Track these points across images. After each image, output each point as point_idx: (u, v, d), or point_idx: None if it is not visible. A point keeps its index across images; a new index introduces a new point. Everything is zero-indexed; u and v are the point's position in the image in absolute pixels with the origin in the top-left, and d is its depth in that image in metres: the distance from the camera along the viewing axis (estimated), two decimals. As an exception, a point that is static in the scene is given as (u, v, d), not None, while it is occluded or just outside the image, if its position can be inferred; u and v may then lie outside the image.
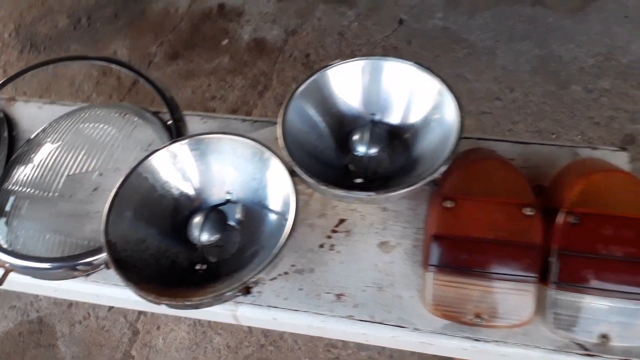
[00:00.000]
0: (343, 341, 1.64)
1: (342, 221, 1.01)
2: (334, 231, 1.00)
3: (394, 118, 1.05)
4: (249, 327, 1.71)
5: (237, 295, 0.82)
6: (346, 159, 1.02)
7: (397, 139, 1.03)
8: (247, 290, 0.81)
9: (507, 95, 2.15)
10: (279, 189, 0.90)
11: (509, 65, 2.22)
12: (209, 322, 1.76)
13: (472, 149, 0.99)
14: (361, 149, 1.00)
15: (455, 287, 0.86)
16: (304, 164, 0.91)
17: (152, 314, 1.79)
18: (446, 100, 0.96)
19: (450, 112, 0.95)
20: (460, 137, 0.90)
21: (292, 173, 0.89)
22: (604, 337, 0.82)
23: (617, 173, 0.86)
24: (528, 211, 0.85)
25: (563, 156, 1.04)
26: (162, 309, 0.84)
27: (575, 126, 2.04)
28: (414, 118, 1.03)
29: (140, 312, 1.81)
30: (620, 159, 1.01)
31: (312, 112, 1.04)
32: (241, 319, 0.97)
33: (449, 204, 0.87)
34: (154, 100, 1.29)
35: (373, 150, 1.00)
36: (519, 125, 2.06)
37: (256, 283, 0.80)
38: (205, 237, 0.91)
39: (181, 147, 0.96)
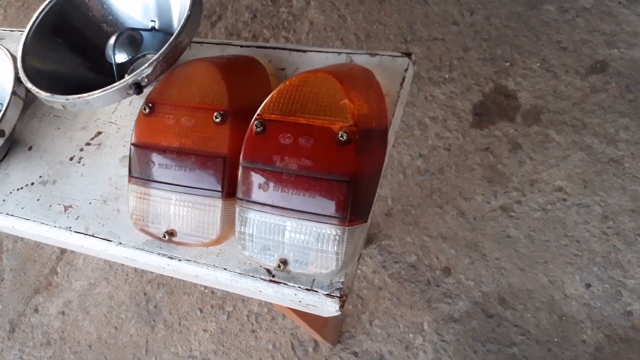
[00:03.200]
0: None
1: (98, 134, 0.97)
2: (87, 144, 0.96)
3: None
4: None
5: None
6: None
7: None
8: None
9: (466, 18, 1.89)
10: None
11: (476, -16, 1.95)
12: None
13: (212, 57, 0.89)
14: (116, 56, 0.94)
15: (148, 200, 0.80)
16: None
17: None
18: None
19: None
20: (177, 41, 0.81)
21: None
22: (283, 261, 0.72)
23: (317, 74, 0.72)
24: (216, 118, 0.75)
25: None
26: None
27: (536, 52, 1.76)
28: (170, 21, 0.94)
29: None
30: (400, 66, 0.85)
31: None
32: (-12, 227, 0.98)
33: (146, 110, 0.80)
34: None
35: (123, 56, 0.94)
36: (471, 52, 1.82)
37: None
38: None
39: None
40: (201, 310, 1.68)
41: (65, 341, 1.77)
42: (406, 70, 0.85)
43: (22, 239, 1.98)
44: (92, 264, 1.85)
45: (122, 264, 1.80)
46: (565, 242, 1.48)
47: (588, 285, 1.42)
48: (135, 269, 1.78)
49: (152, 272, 1.75)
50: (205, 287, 1.70)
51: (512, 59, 1.77)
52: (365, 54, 0.88)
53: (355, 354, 1.50)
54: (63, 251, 1.91)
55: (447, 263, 1.54)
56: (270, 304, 1.61)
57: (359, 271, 1.58)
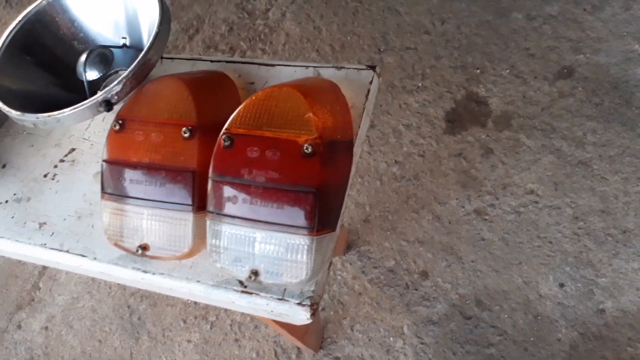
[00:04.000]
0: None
1: (72, 150, 0.98)
2: (61, 161, 0.98)
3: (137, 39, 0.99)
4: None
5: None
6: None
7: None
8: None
9: (438, 28, 1.94)
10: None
11: (447, -6, 2.00)
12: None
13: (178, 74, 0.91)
14: (87, 74, 0.96)
15: (120, 215, 0.81)
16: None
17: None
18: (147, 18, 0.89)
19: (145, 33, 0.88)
20: (146, 58, 0.83)
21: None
22: (254, 272, 0.74)
23: (282, 88, 0.75)
24: (185, 133, 0.77)
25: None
26: None
27: (505, 59, 1.80)
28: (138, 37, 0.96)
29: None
30: (365, 79, 0.88)
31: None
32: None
33: (117, 127, 0.81)
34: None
35: (94, 74, 0.96)
36: (442, 60, 1.86)
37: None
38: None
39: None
40: (184, 321, 1.69)
41: (49, 356, 1.76)
42: (371, 82, 0.88)
43: (3, 256, 1.97)
44: (74, 278, 1.85)
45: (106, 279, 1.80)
46: (538, 244, 1.52)
47: (561, 285, 1.46)
48: (119, 284, 1.78)
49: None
50: (155, 291, 1.70)
51: (482, 66, 1.81)
52: (332, 67, 0.91)
53: (337, 358, 1.52)
54: (45, 267, 1.90)
55: (424, 267, 1.57)
56: (252, 313, 1.62)
57: (339, 277, 1.61)
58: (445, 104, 1.78)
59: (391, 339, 1.51)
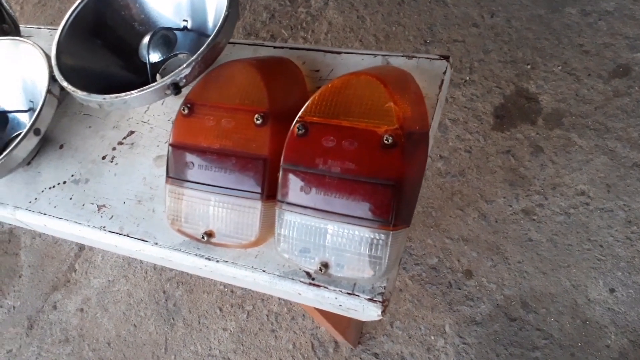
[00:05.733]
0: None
1: (131, 133, 0.97)
2: (120, 143, 0.96)
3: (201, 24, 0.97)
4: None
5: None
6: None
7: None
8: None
9: (487, 20, 1.89)
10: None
11: (497, -14, 1.94)
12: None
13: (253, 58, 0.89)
14: (150, 56, 0.94)
15: (186, 201, 0.79)
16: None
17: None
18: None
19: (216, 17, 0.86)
20: (216, 42, 0.81)
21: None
22: (324, 265, 0.71)
23: (360, 76, 0.72)
24: (257, 120, 0.75)
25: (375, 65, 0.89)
26: None
27: (558, 55, 1.75)
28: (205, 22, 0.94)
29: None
30: (438, 69, 0.84)
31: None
32: (20, 224, 0.98)
33: (185, 110, 0.79)
34: None
35: (157, 56, 0.94)
36: (491, 54, 1.81)
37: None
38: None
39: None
40: (221, 309, 1.68)
41: (83, 338, 1.77)
42: (444, 73, 0.84)
43: (40, 235, 1.99)
44: (110, 261, 1.85)
45: (141, 262, 1.81)
46: (588, 247, 1.47)
47: (612, 290, 1.41)
48: (155, 267, 1.78)
49: (171, 270, 1.75)
50: (225, 286, 1.70)
51: (533, 61, 1.76)
52: (402, 56, 0.87)
53: (376, 355, 1.49)
54: (81, 248, 1.91)
55: (468, 266, 1.53)
56: (290, 303, 1.61)
57: (379, 273, 1.58)
58: (494, 99, 1.73)
59: (432, 337, 1.48)
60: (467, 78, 1.79)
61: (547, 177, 1.58)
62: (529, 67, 1.75)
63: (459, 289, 1.51)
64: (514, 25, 1.85)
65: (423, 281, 1.54)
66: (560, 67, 1.72)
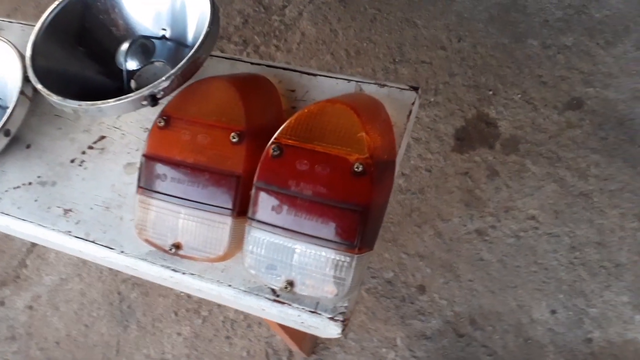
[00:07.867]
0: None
1: (102, 138, 0.97)
2: (90, 147, 0.96)
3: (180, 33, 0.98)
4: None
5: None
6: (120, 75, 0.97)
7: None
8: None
9: (454, 44, 1.96)
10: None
11: (465, 13, 2.02)
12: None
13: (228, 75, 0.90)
14: (128, 64, 0.94)
15: (156, 212, 0.80)
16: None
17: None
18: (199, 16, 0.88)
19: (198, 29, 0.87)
20: (196, 57, 0.82)
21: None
22: (290, 283, 0.74)
23: (335, 104, 0.75)
24: (234, 138, 0.77)
25: (349, 91, 0.92)
26: None
27: (518, 84, 1.84)
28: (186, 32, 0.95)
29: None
30: (407, 99, 0.88)
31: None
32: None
33: (162, 123, 0.80)
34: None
35: (134, 64, 0.94)
36: (456, 78, 1.89)
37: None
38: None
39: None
40: (176, 314, 1.67)
41: (31, 336, 1.73)
42: (413, 103, 0.88)
43: (-10, 228, 1.92)
44: (64, 259, 1.81)
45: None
46: (534, 269, 1.55)
47: (553, 312, 1.50)
48: (110, 268, 1.76)
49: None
50: (181, 291, 1.69)
51: (495, 88, 1.84)
52: (374, 83, 0.91)
53: (328, 365, 1.53)
54: (34, 244, 1.86)
55: (422, 281, 1.59)
56: (247, 311, 1.62)
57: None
58: (456, 122, 1.80)
59: (384, 349, 1.53)
60: (432, 99, 1.86)
61: (500, 200, 1.66)
62: (490, 93, 1.83)
63: (412, 303, 1.56)
64: (479, 51, 1.93)
65: (378, 294, 1.59)
66: (519, 96, 1.81)
